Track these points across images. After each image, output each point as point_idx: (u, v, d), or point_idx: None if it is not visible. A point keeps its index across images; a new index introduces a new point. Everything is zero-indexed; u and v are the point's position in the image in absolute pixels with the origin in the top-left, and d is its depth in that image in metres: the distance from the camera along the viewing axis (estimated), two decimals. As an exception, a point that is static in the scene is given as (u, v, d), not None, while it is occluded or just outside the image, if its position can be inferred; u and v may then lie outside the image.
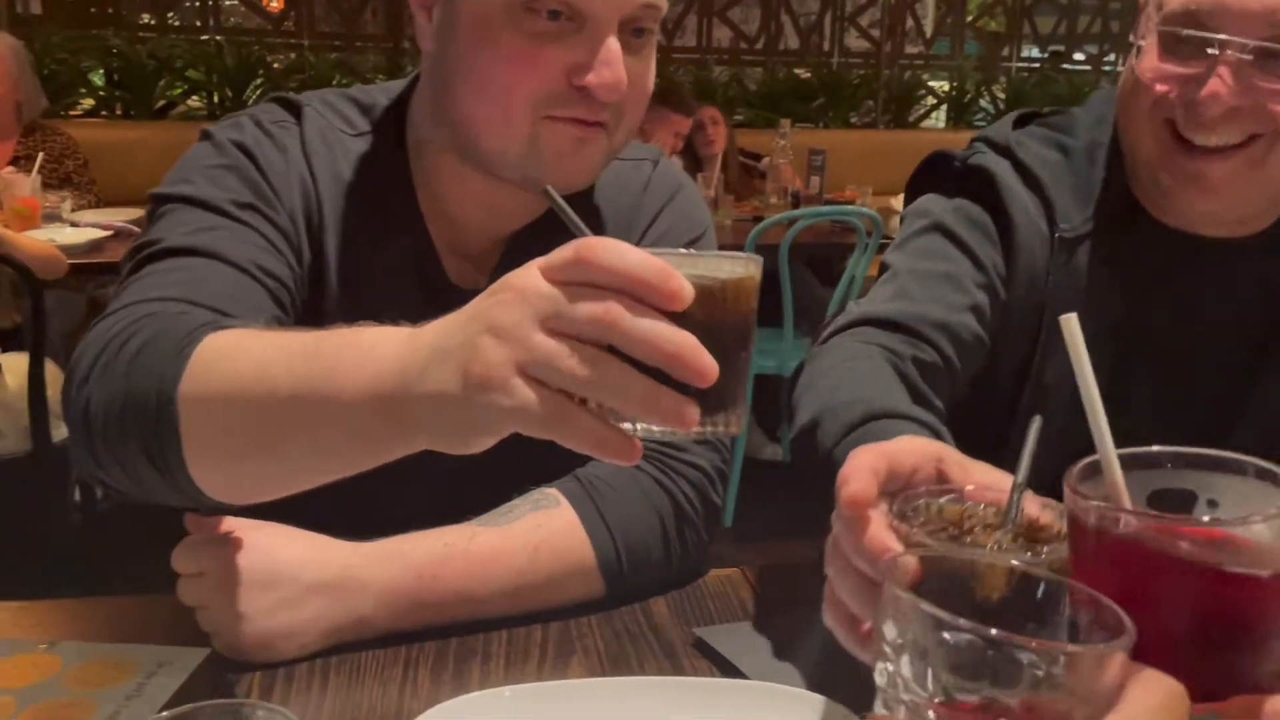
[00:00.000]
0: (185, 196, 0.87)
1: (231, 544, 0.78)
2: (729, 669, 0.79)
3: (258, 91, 4.68)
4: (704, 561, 0.96)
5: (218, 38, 4.75)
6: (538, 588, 0.85)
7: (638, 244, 0.57)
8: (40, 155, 3.14)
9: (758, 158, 4.34)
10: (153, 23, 4.80)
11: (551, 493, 0.89)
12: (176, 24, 4.86)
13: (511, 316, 0.53)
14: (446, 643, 0.81)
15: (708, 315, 0.54)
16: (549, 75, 0.82)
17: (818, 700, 0.71)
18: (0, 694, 0.74)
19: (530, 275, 0.54)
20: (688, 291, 0.52)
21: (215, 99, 4.73)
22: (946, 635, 0.44)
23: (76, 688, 0.75)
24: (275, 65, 4.79)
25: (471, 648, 0.81)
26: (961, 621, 0.43)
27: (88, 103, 4.73)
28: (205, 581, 0.77)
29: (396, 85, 1.00)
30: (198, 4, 4.82)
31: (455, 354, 0.55)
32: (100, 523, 2.53)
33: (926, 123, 6.10)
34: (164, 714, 0.53)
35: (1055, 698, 0.43)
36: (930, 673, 0.45)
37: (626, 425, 0.54)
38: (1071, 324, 0.57)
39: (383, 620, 0.80)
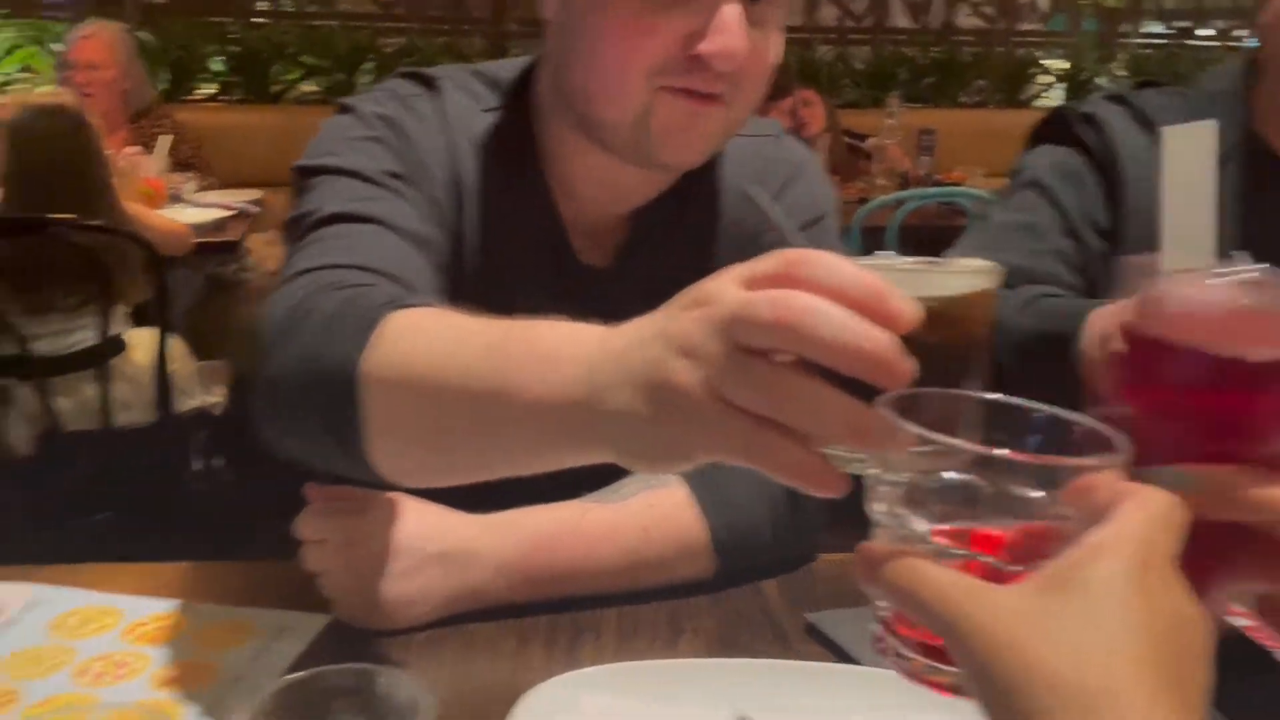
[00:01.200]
0: (335, 168, 0.87)
1: (354, 512, 0.79)
2: (842, 655, 0.77)
3: (369, 75, 4.79)
4: (815, 545, 0.94)
5: (331, 23, 4.87)
6: (648, 566, 0.84)
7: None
8: (168, 138, 3.27)
9: (863, 138, 4.26)
10: (269, 9, 4.95)
11: None
12: (291, 10, 5.00)
13: (704, 333, 0.47)
14: (558, 617, 0.81)
15: (936, 338, 0.46)
16: (663, 43, 0.79)
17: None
18: (138, 650, 0.77)
19: (725, 289, 0.48)
20: (910, 312, 0.45)
21: (328, 83, 4.85)
22: (935, 458, 0.43)
23: (203, 649, 0.77)
24: (385, 49, 4.89)
25: (583, 624, 0.81)
26: (949, 439, 0.42)
27: (208, 88, 4.91)
28: (328, 548, 0.79)
29: (521, 60, 0.99)
30: (311, -9, 4.96)
31: (643, 373, 0.49)
32: (222, 490, 2.64)
33: (1040, 102, 5.90)
34: (288, 677, 0.54)
35: (1049, 519, 0.42)
36: (924, 501, 0.44)
37: (832, 452, 0.48)
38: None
39: (497, 592, 0.81)
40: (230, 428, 2.69)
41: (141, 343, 2.48)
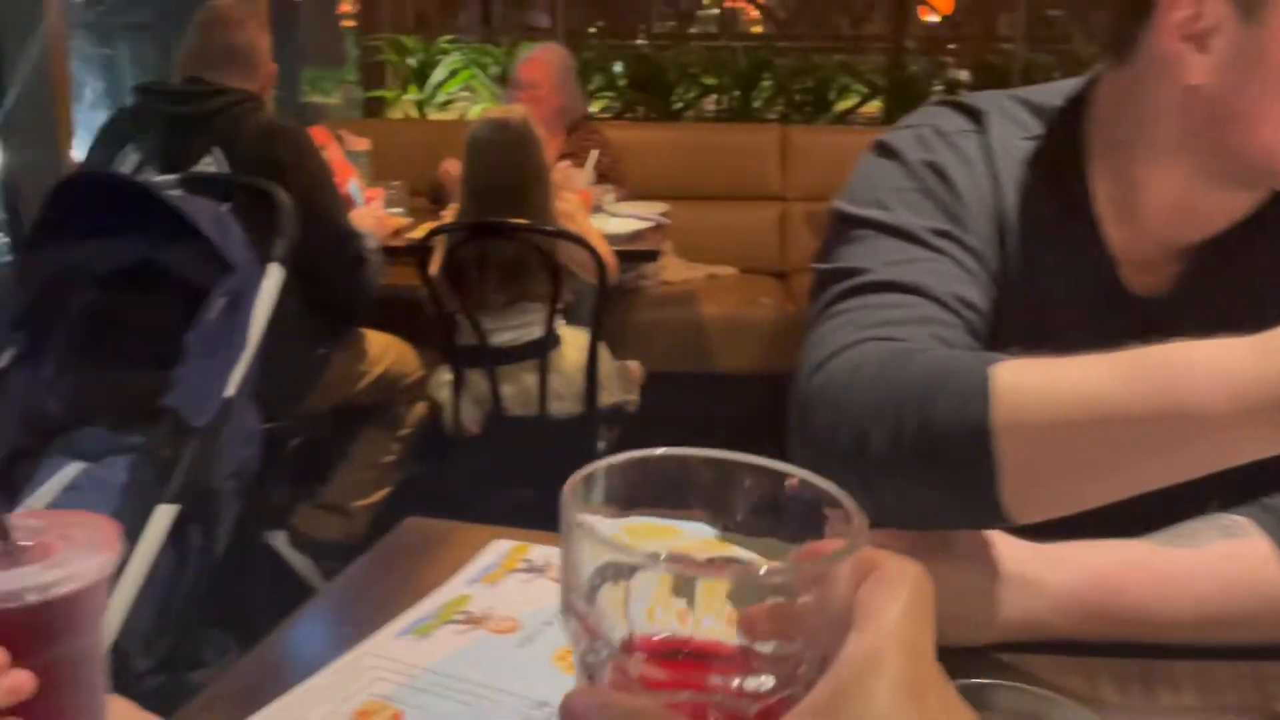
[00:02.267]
0: (881, 224, 0.88)
1: None
2: None
3: (764, 94, 4.93)
4: None
5: (732, 44, 5.06)
6: (1226, 622, 0.78)
7: None
8: (596, 152, 3.54)
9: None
10: (673, 32, 5.24)
11: (1241, 521, 0.82)
12: (695, 33, 5.26)
13: None
14: (1127, 662, 0.78)
15: None
16: None
17: None
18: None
19: None
20: None
21: (725, 102, 5.05)
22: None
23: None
24: (781, 67, 5.01)
25: (1157, 672, 0.77)
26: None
27: (605, 103, 5.26)
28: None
29: (1069, 85, 0.96)
30: (717, 12, 5.18)
31: None
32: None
33: None
34: (959, 682, 0.55)
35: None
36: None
37: None
38: None
39: (1058, 625, 0.79)
40: (639, 425, 2.87)
41: (573, 340, 2.71)
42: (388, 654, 0.78)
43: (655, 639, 0.36)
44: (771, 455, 0.41)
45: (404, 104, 5.29)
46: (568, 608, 0.37)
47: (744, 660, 0.35)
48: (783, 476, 0.41)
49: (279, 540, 2.60)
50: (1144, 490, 0.65)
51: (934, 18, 5.42)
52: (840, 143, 4.37)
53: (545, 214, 2.64)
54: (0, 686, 0.45)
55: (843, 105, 4.98)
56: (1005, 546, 0.81)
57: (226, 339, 1.68)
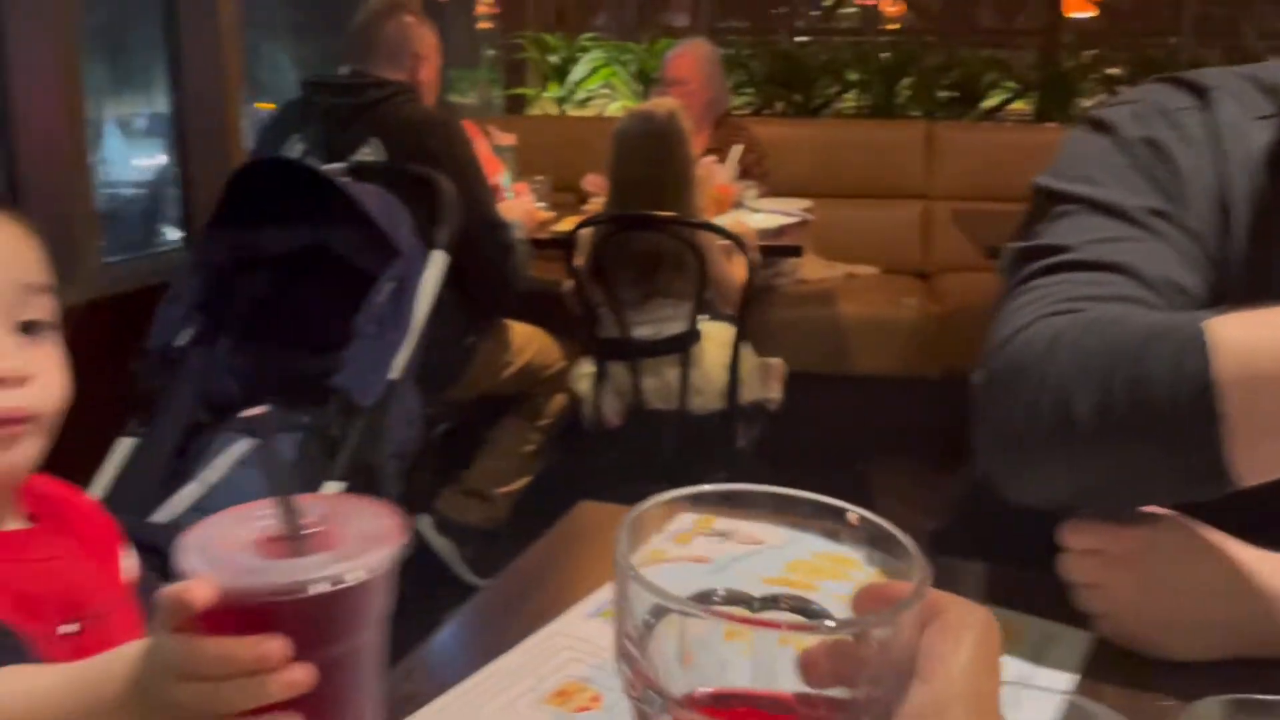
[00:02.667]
0: (1091, 199, 0.84)
1: (1132, 524, 0.75)
2: None
3: (907, 92, 4.81)
4: None
5: (876, 38, 4.96)
6: None
7: None
8: (740, 147, 3.51)
9: None
10: (817, 26, 5.16)
11: None
12: (838, 27, 5.17)
13: None
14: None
15: None
16: None
17: None
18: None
19: None
20: None
21: (867, 98, 4.95)
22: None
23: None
24: (927, 63, 4.88)
25: None
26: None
27: (747, 99, 5.20)
28: (1101, 560, 0.75)
29: None
30: (858, 9, 5.08)
31: None
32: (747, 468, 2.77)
33: None
34: (1223, 698, 0.51)
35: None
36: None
37: None
38: None
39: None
40: (780, 424, 2.83)
41: (714, 335, 2.69)
42: (580, 634, 0.77)
43: (711, 690, 0.34)
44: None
45: (543, 101, 5.36)
46: (621, 654, 0.36)
47: (804, 708, 0.34)
48: (843, 512, 0.40)
49: (424, 524, 2.66)
50: None
51: (1089, 12, 5.20)
52: (989, 140, 4.23)
53: (690, 208, 2.63)
54: (278, 680, 0.44)
55: (990, 102, 4.82)
56: (1243, 554, 0.75)
57: (393, 322, 1.72)
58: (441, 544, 2.67)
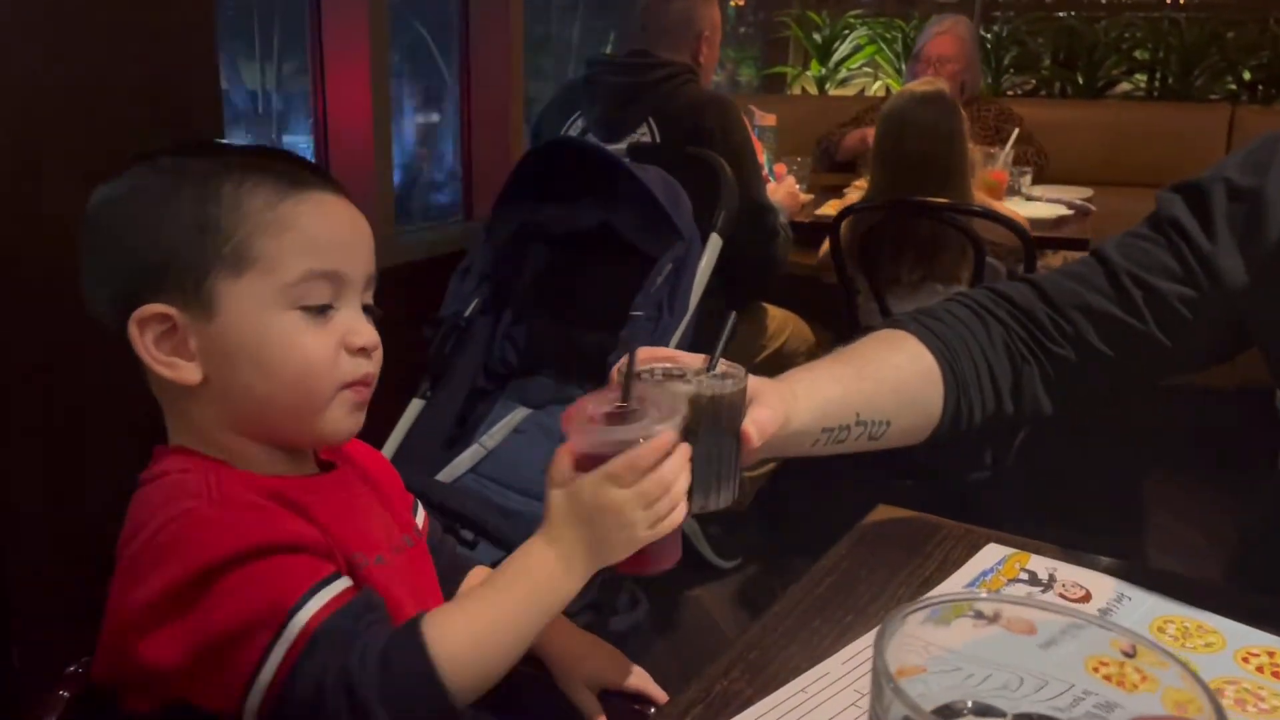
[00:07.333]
0: None
1: None
2: None
3: (1204, 73, 4.38)
4: None
5: (1176, 15, 4.54)
6: None
7: None
8: (1017, 131, 3.32)
9: None
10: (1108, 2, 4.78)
11: None
12: (1130, 2, 4.78)
13: None
14: None
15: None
16: None
17: None
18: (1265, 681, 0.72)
19: None
20: None
21: (1158, 78, 4.55)
22: None
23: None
24: (1231, 41, 4.42)
25: None
26: None
27: (1026, 79, 4.91)
28: None
29: None
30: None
31: None
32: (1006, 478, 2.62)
33: None
34: None
35: None
36: None
37: None
38: None
39: None
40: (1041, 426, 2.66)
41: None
42: (915, 634, 0.75)
43: None
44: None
45: (803, 80, 5.27)
46: None
47: None
48: None
49: (672, 502, 2.69)
50: None
51: None
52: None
53: (965, 193, 2.51)
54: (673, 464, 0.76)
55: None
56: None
57: (669, 305, 1.74)
58: (688, 523, 2.69)
